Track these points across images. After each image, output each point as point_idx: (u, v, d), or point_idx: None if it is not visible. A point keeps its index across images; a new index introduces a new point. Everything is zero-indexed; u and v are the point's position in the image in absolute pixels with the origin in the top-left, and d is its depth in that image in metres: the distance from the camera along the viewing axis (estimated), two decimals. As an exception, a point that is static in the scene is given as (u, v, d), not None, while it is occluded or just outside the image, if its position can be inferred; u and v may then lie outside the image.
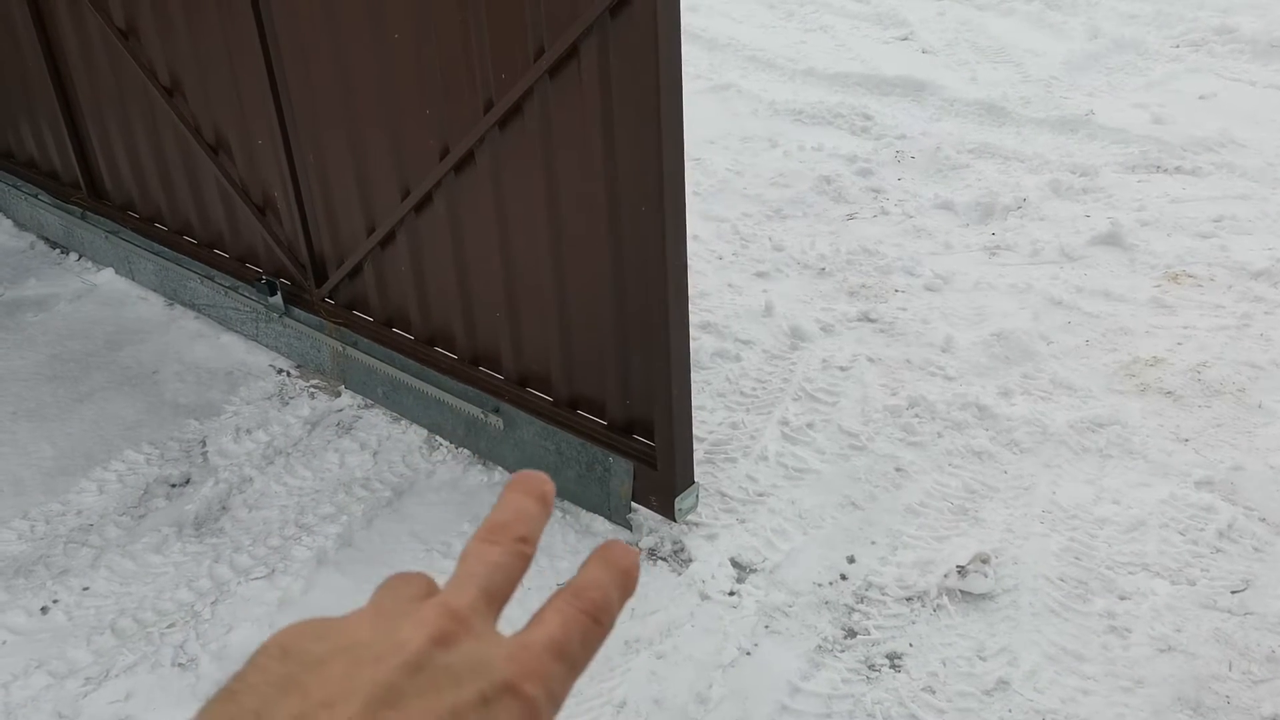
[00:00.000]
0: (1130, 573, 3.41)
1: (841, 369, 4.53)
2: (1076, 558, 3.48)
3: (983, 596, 3.34)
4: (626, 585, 0.59)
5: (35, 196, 6.02)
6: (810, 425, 4.17)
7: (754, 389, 4.43)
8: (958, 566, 3.41)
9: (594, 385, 3.65)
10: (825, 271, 5.37)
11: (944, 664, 3.13)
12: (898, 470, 3.92)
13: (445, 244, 3.84)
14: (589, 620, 0.57)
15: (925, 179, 6.29)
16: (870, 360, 4.58)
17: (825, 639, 3.22)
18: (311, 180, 4.25)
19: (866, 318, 4.93)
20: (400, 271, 4.10)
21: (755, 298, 5.11)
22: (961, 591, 3.37)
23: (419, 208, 3.86)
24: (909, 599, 3.36)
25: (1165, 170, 6.22)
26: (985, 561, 3.41)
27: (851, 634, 3.25)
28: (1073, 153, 6.51)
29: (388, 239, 4.07)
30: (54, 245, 6.10)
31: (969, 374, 4.46)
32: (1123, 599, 3.31)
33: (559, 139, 3.28)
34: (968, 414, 4.18)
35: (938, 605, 3.33)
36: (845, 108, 7.10)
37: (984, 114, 7.08)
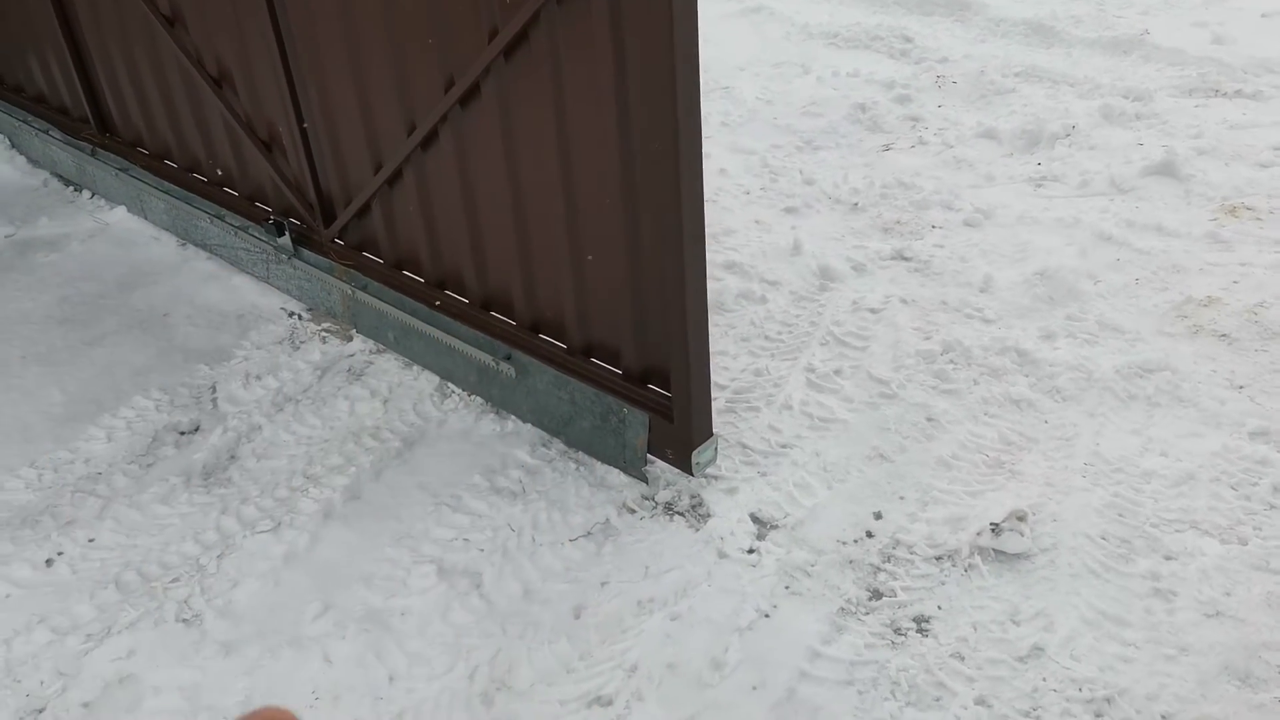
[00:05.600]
0: (1177, 531, 3.21)
1: (872, 311, 4.30)
2: (1120, 514, 3.27)
3: (1018, 556, 3.16)
4: None
5: (46, 133, 5.88)
6: (838, 372, 3.97)
7: (779, 333, 4.22)
8: (991, 524, 3.23)
9: (608, 332, 3.47)
10: (858, 207, 5.11)
11: (974, 628, 2.96)
12: (929, 420, 3.71)
13: (453, 182, 3.64)
14: None
15: (967, 105, 5.97)
16: (903, 302, 4.35)
17: (849, 601, 3.06)
18: (316, 114, 4.05)
19: (900, 256, 4.68)
20: (409, 211, 3.92)
21: (783, 235, 4.88)
22: (995, 551, 3.19)
23: (425, 144, 3.66)
24: (939, 558, 3.19)
25: (1224, 94, 5.84)
26: (1022, 519, 3.22)
27: (877, 595, 3.09)
28: (1125, 76, 6.14)
29: (395, 177, 3.88)
30: (67, 183, 5.98)
31: (1009, 316, 4.21)
32: (1168, 559, 3.11)
33: (568, 69, 3.05)
34: (1006, 359, 3.95)
35: (969, 565, 3.16)
36: (884, 29, 6.74)
37: (1031, 34, 6.69)
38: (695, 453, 3.36)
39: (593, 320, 3.49)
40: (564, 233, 3.36)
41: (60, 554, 3.46)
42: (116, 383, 4.30)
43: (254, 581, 3.27)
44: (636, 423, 3.43)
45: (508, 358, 3.73)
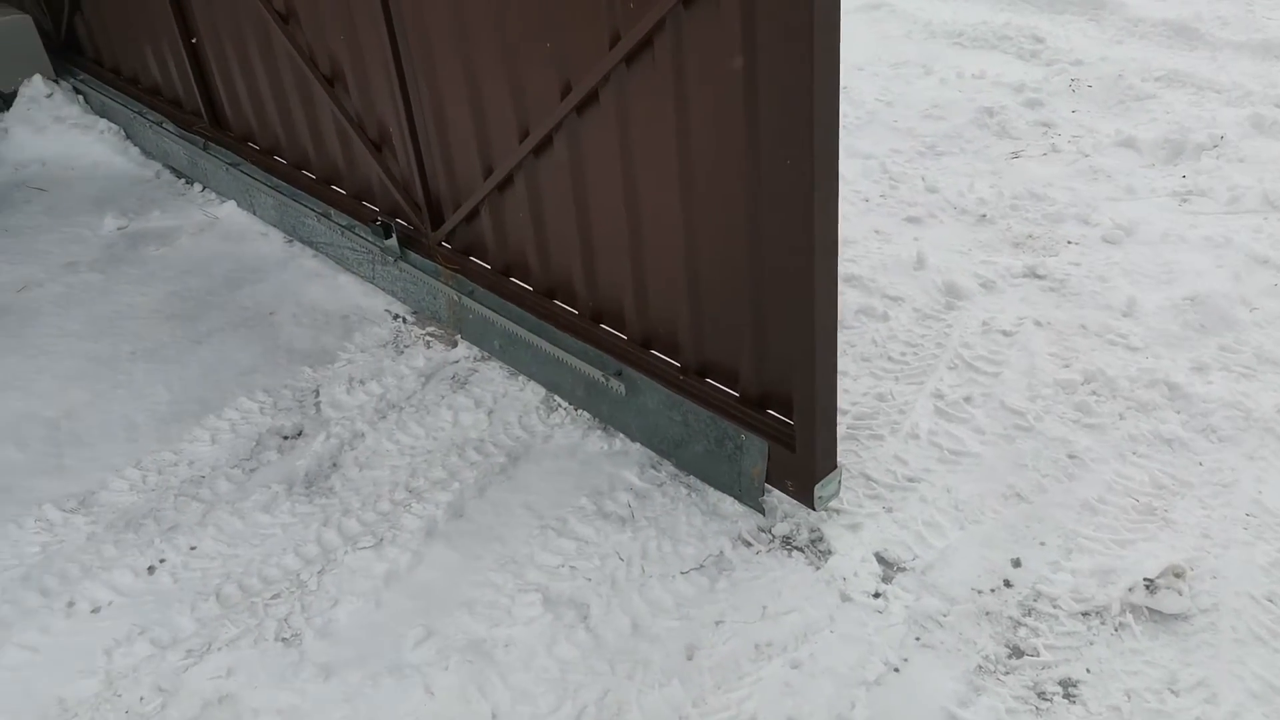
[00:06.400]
0: (1356, 596, 2.89)
1: (1005, 334, 4.02)
2: (1288, 574, 2.97)
3: (1175, 617, 2.88)
4: None
5: (160, 125, 5.91)
6: (968, 399, 3.71)
7: (903, 354, 3.98)
8: (1145, 580, 2.95)
9: (726, 352, 3.28)
10: (986, 218, 4.82)
11: (1128, 696, 2.70)
12: (1071, 457, 3.43)
13: (566, 191, 3.49)
14: None
15: (1104, 112, 5.60)
16: (1038, 324, 4.06)
17: (987, 658, 2.82)
18: (427, 116, 3.93)
19: (1033, 273, 4.38)
20: (518, 218, 3.78)
21: (905, 247, 4.62)
22: (1149, 609, 2.91)
23: (538, 150, 3.50)
24: (1085, 614, 2.93)
25: (1394, 103, 5.37)
26: (1179, 576, 2.93)
27: (1018, 653, 2.84)
28: (1278, 83, 5.70)
29: (505, 182, 3.74)
30: (179, 175, 6.01)
31: (1156, 344, 3.90)
32: (1347, 629, 2.80)
33: (693, 76, 2.86)
34: (1155, 393, 3.64)
35: (1120, 624, 2.89)
36: (1012, 29, 6.39)
37: (1173, 36, 6.27)
38: (818, 485, 3.15)
39: (709, 339, 3.30)
40: (681, 246, 3.18)
41: (162, 561, 3.41)
42: (222, 382, 4.26)
43: (355, 601, 3.16)
44: (754, 450, 3.23)
45: (618, 374, 3.57)
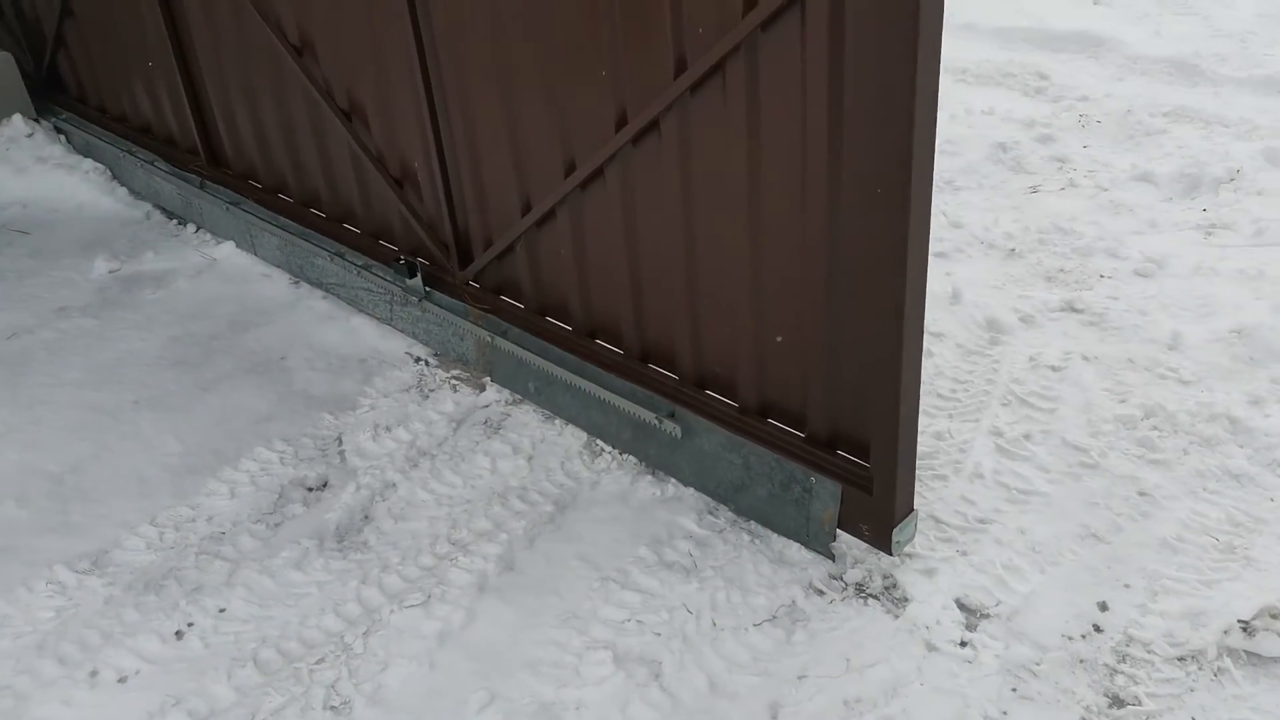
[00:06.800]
0: None
1: (1054, 369, 3.94)
2: (1383, 612, 2.87)
3: (1276, 660, 2.77)
4: None
5: (151, 164, 5.70)
6: (1028, 436, 3.60)
7: (953, 391, 3.87)
8: (1240, 621, 2.84)
9: (791, 392, 3.14)
10: (1015, 253, 4.76)
11: (1240, 746, 2.57)
12: (1142, 495, 3.34)
13: (615, 225, 3.35)
14: None
15: (1116, 146, 5.60)
16: (1085, 359, 3.98)
17: (1088, 708, 2.69)
18: (459, 150, 3.79)
19: (1071, 307, 4.32)
20: (559, 255, 3.63)
21: (938, 281, 4.52)
22: (1247, 652, 2.80)
23: (586, 183, 3.37)
24: (1182, 659, 2.81)
25: (1400, 136, 5.43)
26: (1276, 617, 2.83)
27: (1119, 703, 2.70)
28: (1283, 116, 5.75)
29: (546, 218, 3.60)
30: (171, 215, 5.79)
31: (1209, 378, 3.83)
32: None
33: (769, 104, 2.75)
34: (1218, 427, 3.56)
35: (1219, 669, 2.77)
36: (1015, 65, 6.41)
37: (1174, 73, 6.33)
38: (896, 530, 3.01)
39: (772, 378, 3.17)
40: (746, 282, 3.05)
41: (190, 625, 3.17)
42: (236, 431, 4.04)
43: (406, 664, 2.95)
44: (826, 494, 3.09)
45: (671, 415, 3.42)
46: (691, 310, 3.27)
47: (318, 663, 2.99)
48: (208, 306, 4.92)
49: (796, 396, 3.14)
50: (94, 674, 3.02)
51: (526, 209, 3.65)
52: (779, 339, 3.05)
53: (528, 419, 3.93)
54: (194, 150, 5.38)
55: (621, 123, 3.15)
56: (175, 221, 5.73)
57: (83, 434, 4.06)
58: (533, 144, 3.50)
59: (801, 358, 3.04)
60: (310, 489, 3.74)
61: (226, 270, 5.23)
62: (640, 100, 3.05)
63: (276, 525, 3.57)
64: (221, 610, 3.22)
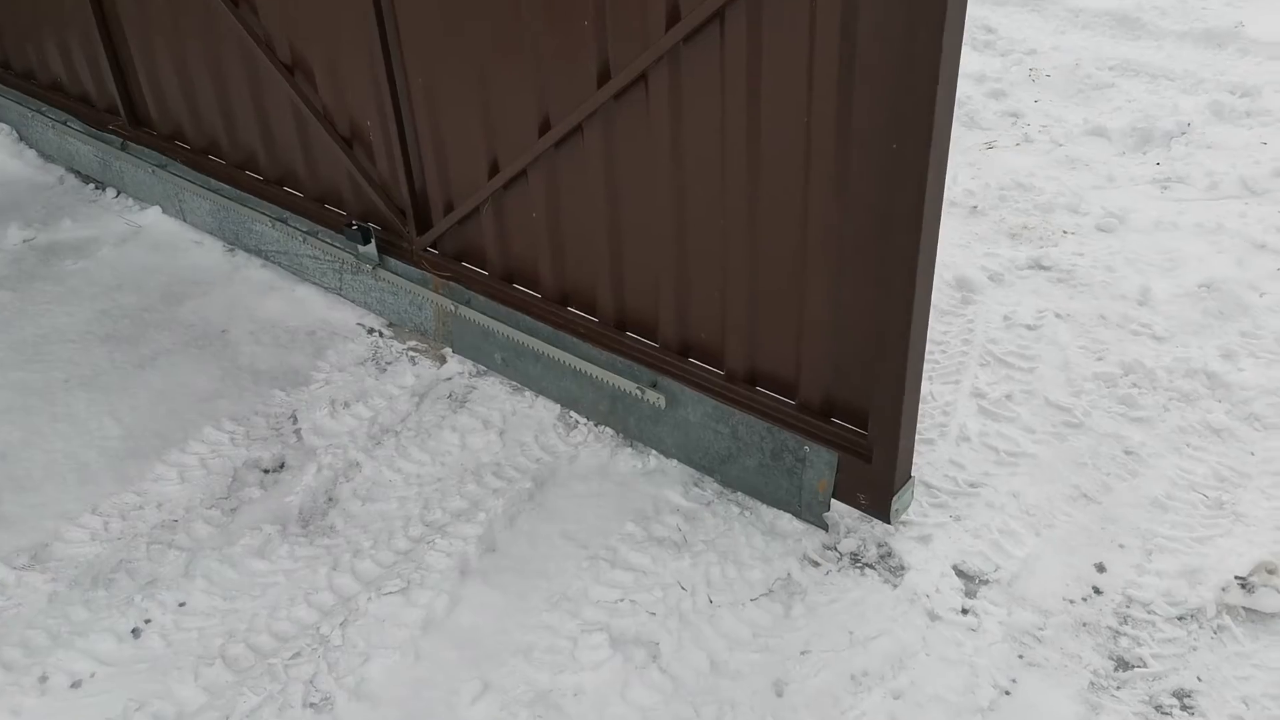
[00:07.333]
0: None
1: (1028, 327, 3.90)
2: (1369, 564, 2.90)
3: (1275, 615, 2.78)
4: None
5: (64, 123, 5.30)
6: (1009, 397, 3.56)
7: (931, 352, 3.81)
8: (1238, 578, 2.84)
9: (783, 360, 3.03)
10: (977, 210, 4.71)
11: (1246, 704, 2.57)
12: (1128, 453, 3.32)
13: (595, 189, 3.17)
14: None
15: (1067, 101, 5.59)
16: (1058, 316, 3.96)
17: (1096, 672, 2.66)
18: (417, 107, 3.56)
19: (1038, 264, 4.29)
20: (529, 219, 3.44)
21: (904, 241, 4.46)
22: (1246, 609, 2.80)
23: (562, 142, 3.18)
24: (1182, 618, 2.80)
25: (1340, 90, 5.52)
26: (1273, 572, 2.83)
27: (1124, 665, 2.68)
28: (1226, 70, 5.81)
29: (515, 179, 3.40)
30: (87, 180, 5.41)
31: (1181, 333, 3.84)
32: None
33: (772, 54, 2.60)
34: (1195, 382, 3.57)
35: (1219, 626, 2.77)
36: (963, 20, 6.34)
37: (1116, 26, 6.34)
38: (895, 498, 2.93)
39: (763, 345, 3.05)
40: (742, 244, 2.91)
41: (148, 621, 2.95)
42: (179, 411, 3.78)
43: (390, 655, 2.79)
44: (821, 463, 3.00)
45: (654, 384, 3.28)
46: (677, 275, 3.13)
47: (293, 657, 2.80)
48: (136, 277, 4.60)
49: (789, 363, 3.02)
50: (43, 679, 2.78)
51: (494, 170, 3.45)
52: (772, 304, 2.93)
53: (495, 391, 3.76)
54: (113, 109, 5.01)
55: (604, 77, 2.96)
56: (93, 186, 5.35)
57: (10, 417, 3.77)
58: (503, 101, 3.30)
59: (797, 323, 2.93)
60: (266, 470, 3.52)
61: (154, 237, 4.90)
62: (627, 54, 2.87)
63: (233, 510, 3.35)
64: (181, 604, 3.01)
